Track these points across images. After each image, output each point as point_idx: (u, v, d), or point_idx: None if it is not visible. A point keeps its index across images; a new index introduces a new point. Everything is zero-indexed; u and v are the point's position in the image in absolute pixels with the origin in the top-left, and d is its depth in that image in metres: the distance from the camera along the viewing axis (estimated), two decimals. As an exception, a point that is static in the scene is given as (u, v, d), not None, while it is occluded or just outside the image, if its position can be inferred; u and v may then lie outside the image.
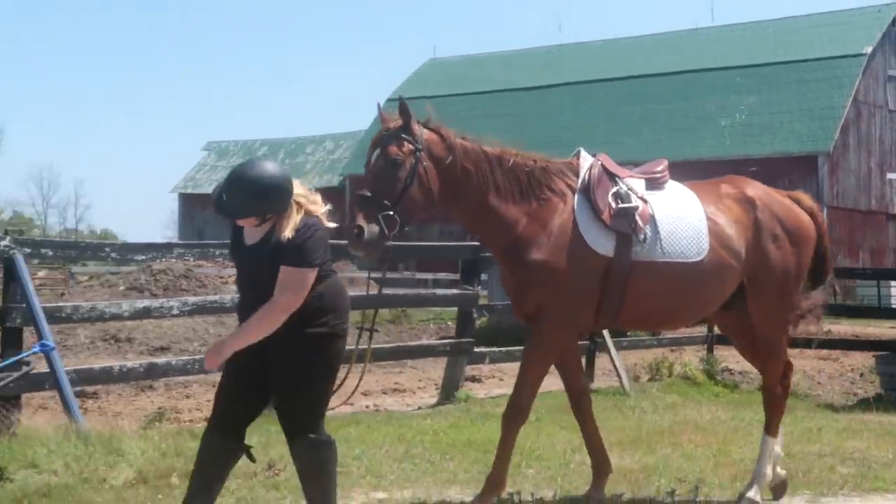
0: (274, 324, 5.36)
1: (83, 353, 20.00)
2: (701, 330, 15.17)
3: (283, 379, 5.57)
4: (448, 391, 12.37)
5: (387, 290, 8.60)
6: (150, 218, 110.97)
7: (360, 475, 7.64)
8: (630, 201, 6.69)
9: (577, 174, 6.82)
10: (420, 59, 69.81)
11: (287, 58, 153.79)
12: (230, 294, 12.98)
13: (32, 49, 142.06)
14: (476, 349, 12.63)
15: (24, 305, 8.68)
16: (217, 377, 10.14)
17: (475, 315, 12.96)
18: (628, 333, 19.22)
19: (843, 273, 35.78)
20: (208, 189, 57.64)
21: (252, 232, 5.56)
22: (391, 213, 6.11)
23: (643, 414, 10.98)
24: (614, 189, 6.73)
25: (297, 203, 5.49)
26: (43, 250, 9.88)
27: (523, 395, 6.61)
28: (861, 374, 17.65)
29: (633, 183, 6.88)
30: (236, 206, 5.42)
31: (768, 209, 7.14)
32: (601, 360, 14.38)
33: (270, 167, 5.45)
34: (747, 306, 7.18)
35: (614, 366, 13.65)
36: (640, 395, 12.52)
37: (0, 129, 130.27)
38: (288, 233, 5.38)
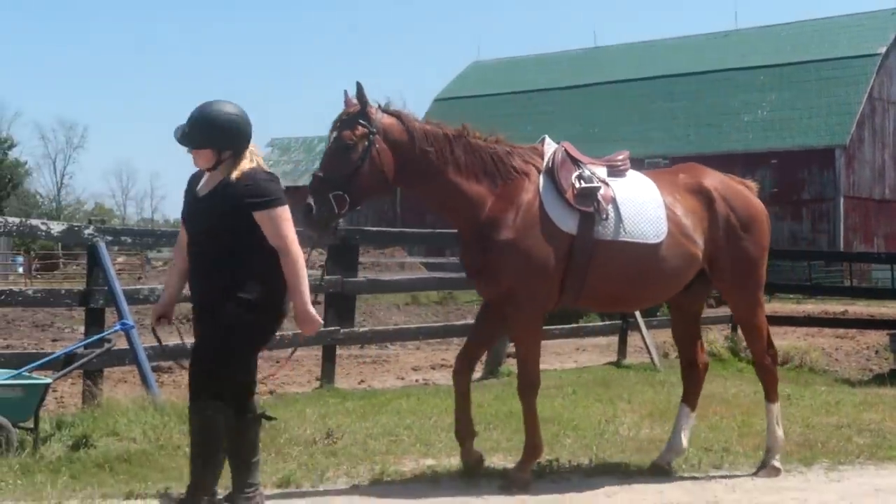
0: (304, 268, 5.31)
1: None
2: (725, 310, 15.05)
3: (203, 340, 5.44)
4: (491, 366, 12.36)
5: (437, 274, 8.54)
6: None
7: (410, 443, 7.64)
8: (592, 182, 6.57)
9: (542, 157, 6.68)
10: (464, 61, 69.61)
11: (342, 58, 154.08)
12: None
13: (113, 56, 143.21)
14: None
15: (105, 288, 8.74)
16: (282, 353, 10.19)
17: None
18: (658, 313, 19.11)
19: (859, 257, 35.46)
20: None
21: (205, 182, 5.43)
22: (341, 192, 6.04)
23: (672, 388, 10.87)
24: (577, 172, 6.60)
25: (251, 152, 5.40)
26: (123, 238, 9.99)
27: (528, 369, 6.58)
28: (876, 352, 17.49)
29: (595, 169, 6.74)
30: (196, 136, 5.30)
31: (723, 199, 6.96)
32: (633, 338, 14.31)
33: (231, 107, 5.36)
34: (719, 293, 7.20)
35: (645, 343, 13.62)
36: (669, 371, 12.43)
37: (84, 128, 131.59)
38: (238, 174, 5.24)
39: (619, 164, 6.91)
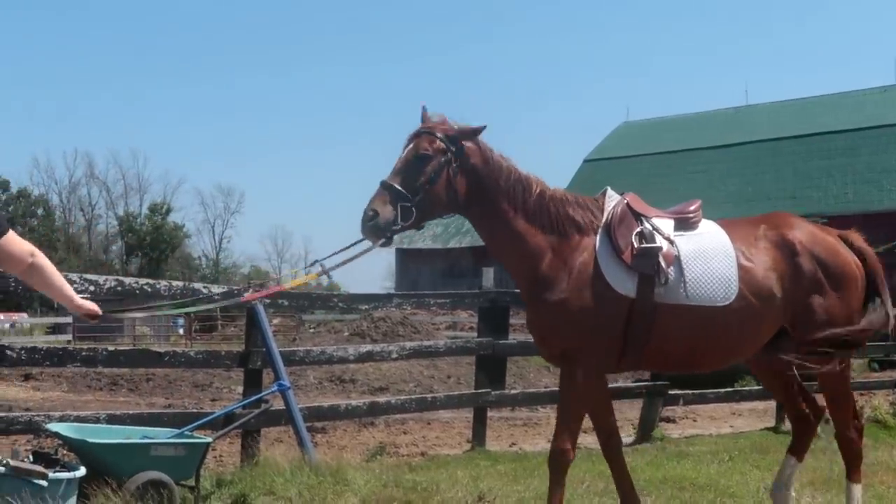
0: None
1: (312, 392, 20.55)
2: (891, 374, 14.46)
3: None
4: (644, 430, 12.16)
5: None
6: (370, 271, 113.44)
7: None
8: (654, 241, 6.07)
9: (602, 211, 6.22)
10: (614, 122, 69.44)
11: (493, 118, 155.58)
12: (443, 339, 13.10)
13: (271, 127, 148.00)
14: (670, 391, 12.38)
15: (263, 349, 8.98)
16: (433, 415, 10.24)
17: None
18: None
19: None
20: (421, 244, 58.79)
21: None
22: (409, 203, 5.77)
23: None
24: (638, 228, 6.11)
25: None
26: (280, 301, 10.21)
27: (564, 439, 6.02)
28: None
29: (661, 223, 6.23)
30: None
31: (809, 253, 6.36)
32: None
33: None
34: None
35: (805, 409, 13.16)
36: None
37: (241, 194, 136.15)
38: None
39: (691, 215, 6.39)
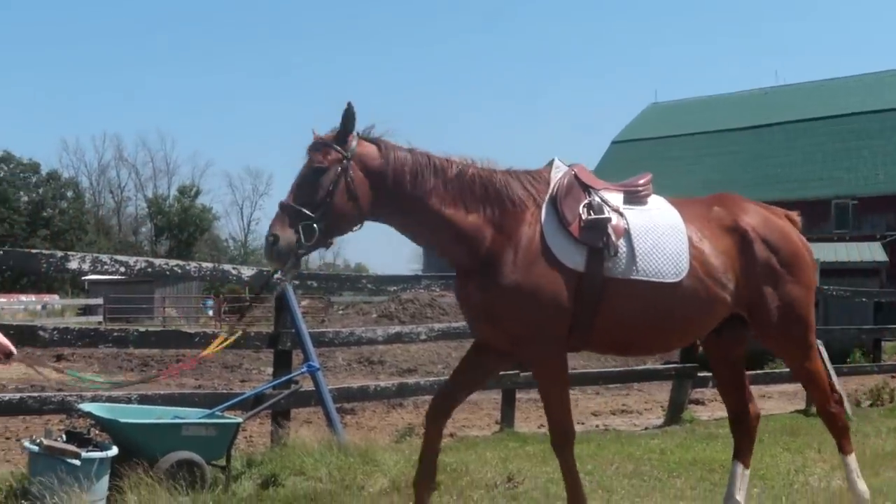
0: None
1: (341, 374, 20.64)
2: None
3: None
4: (673, 413, 12.13)
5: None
6: (397, 253, 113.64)
7: (591, 489, 7.53)
8: (602, 213, 5.80)
9: (547, 184, 5.90)
10: (642, 103, 69.04)
11: (515, 103, 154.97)
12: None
13: (296, 108, 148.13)
14: (700, 373, 12.33)
15: (292, 331, 9.01)
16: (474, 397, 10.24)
17: (698, 341, 12.65)
18: (848, 360, 18.44)
19: None
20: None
21: None
22: (311, 222, 5.47)
23: (865, 438, 10.41)
24: (586, 200, 5.83)
25: None
26: (309, 282, 10.23)
27: (558, 419, 5.81)
28: None
29: (609, 195, 5.95)
30: None
31: (762, 240, 6.17)
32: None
33: None
34: (762, 343, 6.39)
35: (835, 391, 13.09)
36: (861, 420, 11.91)
37: (269, 176, 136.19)
38: None
39: (640, 189, 6.13)
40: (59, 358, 22.88)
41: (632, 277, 5.74)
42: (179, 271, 8.81)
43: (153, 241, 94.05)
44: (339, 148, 5.59)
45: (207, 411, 7.69)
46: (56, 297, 60.54)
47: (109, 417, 7.19)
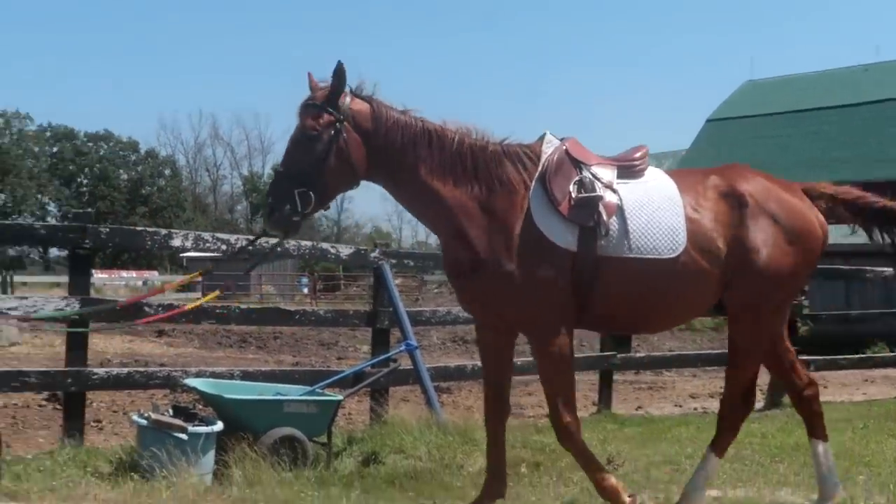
0: None
1: (436, 353, 20.73)
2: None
3: None
4: (774, 397, 11.94)
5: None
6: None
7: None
8: (594, 190, 5.61)
9: (538, 160, 5.70)
10: (738, 80, 67.86)
11: (617, 80, 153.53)
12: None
13: (391, 86, 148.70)
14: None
15: (390, 309, 9.08)
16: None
17: (798, 324, 12.45)
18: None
19: None
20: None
21: None
22: (305, 188, 5.36)
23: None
24: (577, 177, 5.64)
25: None
26: (406, 261, 10.29)
27: (562, 412, 5.58)
28: None
29: (602, 171, 5.74)
30: None
31: (760, 206, 5.87)
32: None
33: None
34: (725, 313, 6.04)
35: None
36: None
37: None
38: None
39: (636, 163, 5.89)
40: (160, 333, 23.43)
41: (626, 255, 5.58)
42: (279, 249, 8.92)
43: (248, 218, 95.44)
44: (331, 110, 5.45)
45: (308, 388, 7.79)
46: (156, 273, 61.96)
47: (214, 393, 7.33)
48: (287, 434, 7.07)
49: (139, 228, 8.42)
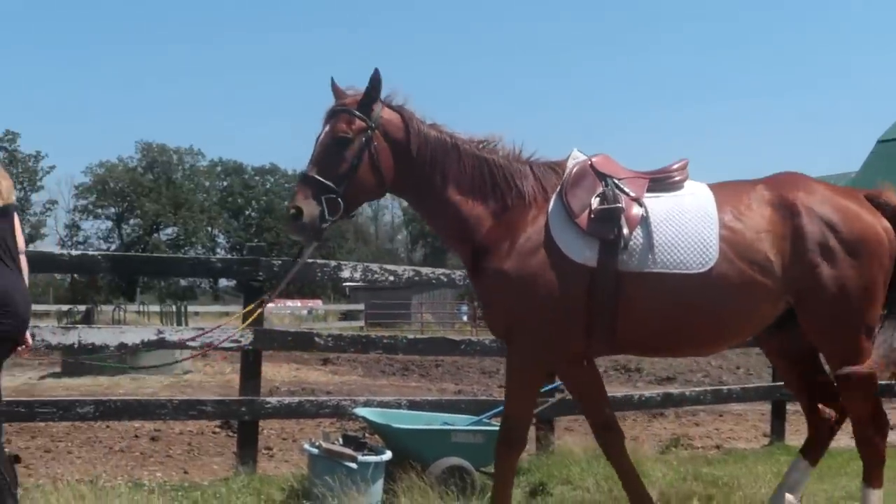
0: None
1: (599, 382, 20.46)
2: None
3: None
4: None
5: None
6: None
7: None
8: (615, 202, 5.42)
9: (561, 175, 5.62)
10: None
11: (781, 99, 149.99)
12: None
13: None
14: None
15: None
16: (724, 407, 9.93)
17: None
18: None
19: None
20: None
21: None
22: (334, 195, 5.24)
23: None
24: (600, 189, 5.48)
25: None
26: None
27: (513, 424, 5.50)
28: None
29: (630, 184, 5.55)
30: None
31: (815, 215, 5.53)
32: None
33: None
34: (801, 333, 5.69)
35: None
36: None
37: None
38: None
39: (674, 175, 5.68)
40: (325, 361, 23.91)
41: (650, 270, 5.35)
42: (445, 279, 9.02)
43: (409, 248, 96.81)
44: (362, 115, 5.39)
45: (475, 418, 7.80)
46: (320, 302, 63.25)
47: (382, 422, 7.43)
48: (455, 464, 7.10)
49: (310, 260, 8.60)
